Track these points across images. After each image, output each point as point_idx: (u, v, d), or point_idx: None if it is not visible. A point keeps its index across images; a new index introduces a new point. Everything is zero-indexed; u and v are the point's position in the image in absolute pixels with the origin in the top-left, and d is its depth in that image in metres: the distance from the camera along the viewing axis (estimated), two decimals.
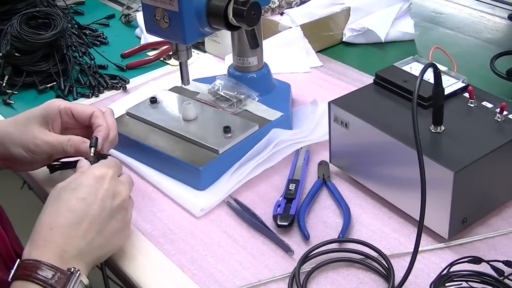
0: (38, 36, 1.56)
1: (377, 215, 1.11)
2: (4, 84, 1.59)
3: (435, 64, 1.00)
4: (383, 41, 1.66)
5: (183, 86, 1.31)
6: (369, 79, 1.47)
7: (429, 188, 0.93)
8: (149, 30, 1.21)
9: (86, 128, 1.16)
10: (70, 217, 0.93)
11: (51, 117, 1.14)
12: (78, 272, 0.89)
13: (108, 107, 1.19)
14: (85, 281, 0.91)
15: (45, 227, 0.92)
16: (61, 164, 1.20)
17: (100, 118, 1.13)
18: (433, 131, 1.05)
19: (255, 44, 1.18)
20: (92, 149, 1.08)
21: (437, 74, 1.01)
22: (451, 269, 0.94)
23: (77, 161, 1.06)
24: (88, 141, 1.10)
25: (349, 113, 1.12)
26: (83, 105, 1.17)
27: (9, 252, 1.02)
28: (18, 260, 0.90)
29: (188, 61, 1.25)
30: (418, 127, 1.02)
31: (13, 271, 0.88)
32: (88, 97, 1.54)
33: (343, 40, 1.69)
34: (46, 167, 1.21)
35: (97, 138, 1.10)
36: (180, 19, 1.14)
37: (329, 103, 1.15)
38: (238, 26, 1.15)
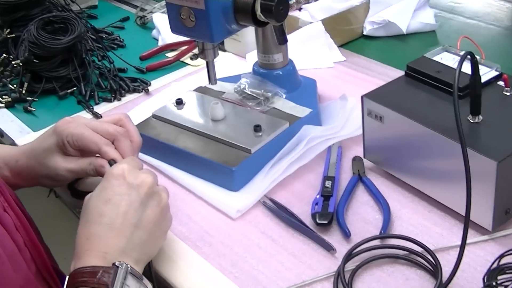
0: (56, 41, 1.54)
1: (417, 209, 1.09)
2: (23, 91, 1.57)
3: (472, 53, 0.97)
4: (405, 33, 1.63)
5: (210, 85, 1.30)
6: (394, 72, 1.46)
7: (471, 179, 0.91)
8: (175, 30, 1.19)
9: None
10: (101, 221, 0.91)
11: (65, 147, 1.09)
12: (125, 264, 0.87)
13: (123, 113, 1.15)
14: (137, 273, 0.89)
15: (82, 238, 0.91)
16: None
17: (109, 152, 1.07)
18: (471, 121, 1.03)
19: (284, 39, 1.16)
20: None
21: (475, 63, 0.99)
22: (501, 262, 0.92)
23: None
24: (106, 163, 1.07)
25: (384, 106, 1.10)
26: (89, 135, 1.08)
27: (44, 264, 1.00)
28: (67, 277, 0.88)
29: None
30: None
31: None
32: (110, 101, 1.52)
33: (364, 33, 1.67)
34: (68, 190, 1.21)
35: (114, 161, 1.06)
36: (207, 17, 1.12)
37: (362, 97, 1.13)
38: (266, 22, 1.12)
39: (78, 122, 1.09)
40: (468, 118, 1.03)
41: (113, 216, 0.92)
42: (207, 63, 1.22)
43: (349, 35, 1.66)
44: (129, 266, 0.88)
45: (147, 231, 0.95)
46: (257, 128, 1.21)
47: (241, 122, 1.26)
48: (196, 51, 1.61)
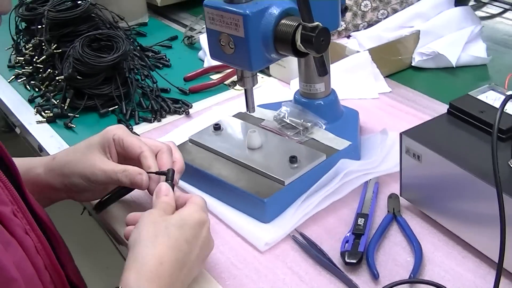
0: (100, 59, 1.54)
1: (451, 254, 1.05)
2: (65, 107, 1.57)
3: None
4: (454, 66, 1.59)
5: (248, 113, 1.28)
6: (440, 106, 1.42)
7: (508, 226, 0.87)
8: (214, 56, 1.17)
9: None
10: (178, 257, 0.92)
11: (108, 145, 1.12)
12: None
13: (171, 141, 1.15)
14: None
15: (155, 260, 0.90)
16: (106, 199, 1.18)
17: (148, 158, 1.08)
18: None
19: (324, 71, 1.13)
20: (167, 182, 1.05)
21: None
22: None
23: (119, 192, 1.11)
24: (143, 172, 1.07)
25: (422, 145, 1.06)
26: (136, 139, 1.11)
27: (64, 287, 0.99)
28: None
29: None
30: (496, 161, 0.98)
31: None
32: (150, 121, 1.51)
33: (412, 64, 1.63)
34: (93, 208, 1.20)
35: (173, 171, 1.07)
36: (246, 45, 1.10)
37: (400, 134, 1.10)
38: (306, 52, 1.10)
39: (129, 131, 1.14)
40: (510, 162, 0.99)
41: (186, 259, 0.93)
42: (245, 90, 1.21)
43: (397, 65, 1.62)
44: None
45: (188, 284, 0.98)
46: (292, 159, 1.19)
47: (277, 152, 1.24)
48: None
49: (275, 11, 1.10)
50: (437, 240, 1.08)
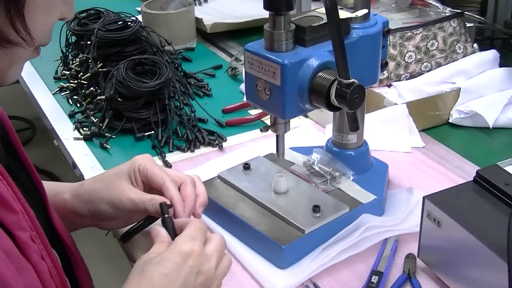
0: (142, 83, 1.57)
1: None
2: (103, 127, 1.60)
3: None
4: (491, 127, 1.59)
5: None
6: (470, 168, 1.43)
7: None
8: (250, 99, 1.20)
9: None
10: None
11: (134, 174, 1.13)
12: None
13: (195, 175, 1.16)
14: None
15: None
16: (132, 230, 1.18)
17: (171, 190, 1.08)
18: None
19: (355, 127, 1.14)
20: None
21: None
22: None
23: (146, 221, 1.10)
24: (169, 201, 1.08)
25: (443, 212, 1.07)
26: (159, 170, 1.12)
27: (60, 277, 0.98)
28: None
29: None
30: None
31: None
32: (183, 151, 1.54)
33: (450, 121, 1.63)
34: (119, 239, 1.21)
35: (167, 205, 1.05)
36: (282, 93, 1.12)
37: (424, 198, 1.11)
38: (339, 107, 1.11)
39: (155, 162, 1.14)
40: None
41: None
42: (277, 136, 1.22)
43: (434, 120, 1.63)
44: None
45: None
46: (315, 209, 1.20)
47: (302, 198, 1.26)
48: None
49: (313, 63, 1.11)
50: None
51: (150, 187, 1.14)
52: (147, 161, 1.13)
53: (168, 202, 1.05)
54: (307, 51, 1.12)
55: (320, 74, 1.11)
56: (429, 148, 1.54)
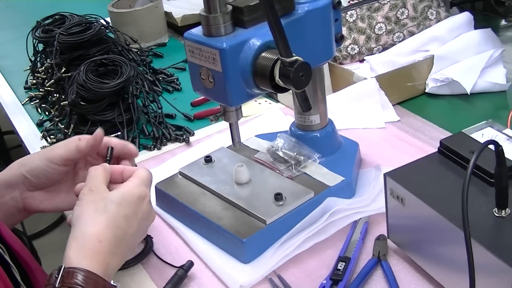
0: (103, 85, 1.52)
1: None
2: (69, 133, 1.55)
3: (497, 142, 0.87)
4: (469, 94, 1.51)
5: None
6: None
7: (487, 280, 0.84)
8: (196, 89, 1.14)
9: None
10: (116, 233, 0.96)
11: None
12: (118, 284, 0.94)
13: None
14: None
15: (94, 238, 0.93)
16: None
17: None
18: (496, 215, 0.92)
19: (307, 107, 1.08)
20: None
21: (499, 153, 0.88)
22: None
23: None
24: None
25: (405, 188, 1.00)
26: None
27: None
28: (63, 266, 0.90)
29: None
30: (481, 208, 0.93)
31: (59, 276, 0.88)
32: (150, 149, 1.49)
33: (426, 91, 1.56)
34: None
35: (112, 148, 1.12)
36: (224, 79, 1.05)
37: (384, 175, 1.04)
38: (286, 88, 1.05)
39: None
40: (494, 211, 0.92)
41: (124, 234, 0.97)
42: (230, 125, 1.16)
43: (410, 92, 1.55)
44: None
45: (128, 256, 1.05)
46: (277, 197, 1.14)
47: (265, 187, 1.19)
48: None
49: (254, 44, 1.05)
50: None
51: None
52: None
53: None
54: (247, 33, 1.06)
55: (262, 55, 1.05)
56: (404, 121, 1.47)
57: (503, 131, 1.09)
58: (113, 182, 1.05)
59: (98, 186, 1.00)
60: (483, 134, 1.09)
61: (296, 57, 1.01)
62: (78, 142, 1.12)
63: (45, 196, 1.14)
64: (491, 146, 0.87)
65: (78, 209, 0.97)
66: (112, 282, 0.92)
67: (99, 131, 1.12)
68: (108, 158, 1.10)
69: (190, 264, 1.09)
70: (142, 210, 1.00)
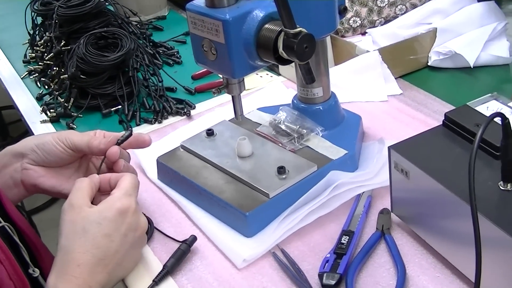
0: (103, 58, 1.50)
1: (437, 278, 0.98)
2: (69, 107, 1.54)
3: (503, 114, 0.86)
4: (472, 67, 1.50)
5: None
6: None
7: (493, 254, 0.83)
8: (198, 61, 1.12)
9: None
10: (96, 254, 0.95)
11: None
12: None
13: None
14: None
15: (73, 263, 0.94)
16: None
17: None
18: (502, 188, 0.91)
19: (310, 79, 1.07)
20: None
21: (506, 126, 0.87)
22: None
23: None
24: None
25: (410, 161, 0.99)
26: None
27: (19, 277, 0.98)
28: None
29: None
30: (487, 181, 0.92)
31: None
32: (150, 123, 1.47)
33: (429, 64, 1.54)
34: None
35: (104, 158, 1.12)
36: (227, 51, 1.04)
37: (389, 148, 1.03)
38: (289, 60, 1.03)
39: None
40: (499, 184, 0.91)
41: (106, 252, 0.97)
42: (232, 97, 1.15)
43: (412, 65, 1.54)
44: None
45: (126, 269, 1.03)
46: (280, 170, 1.13)
47: (267, 161, 1.18)
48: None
49: (258, 15, 1.03)
50: (425, 262, 1.01)
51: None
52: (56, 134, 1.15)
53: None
54: (250, 4, 1.04)
55: (266, 26, 1.03)
56: (407, 94, 1.46)
57: (508, 104, 1.08)
58: (102, 191, 1.06)
59: (80, 200, 1.00)
60: (488, 107, 1.08)
61: (300, 29, 0.99)
62: (92, 139, 1.11)
63: (44, 172, 1.14)
64: (497, 119, 0.86)
65: (60, 228, 0.98)
66: None
67: (114, 149, 1.11)
68: (100, 167, 1.12)
69: (193, 238, 1.09)
70: (127, 223, 0.99)
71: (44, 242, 1.14)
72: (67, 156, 1.12)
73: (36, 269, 1.02)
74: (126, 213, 0.99)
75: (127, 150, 1.17)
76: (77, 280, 0.93)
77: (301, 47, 1.00)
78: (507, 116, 0.87)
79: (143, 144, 1.17)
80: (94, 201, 1.02)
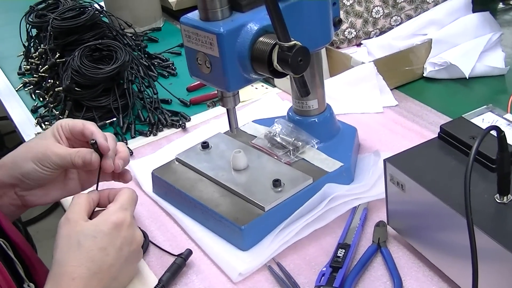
0: (98, 70, 1.50)
1: None
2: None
3: (499, 127, 0.86)
4: (467, 78, 1.50)
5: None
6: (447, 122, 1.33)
7: (490, 268, 0.83)
8: (193, 74, 1.12)
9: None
10: (91, 268, 0.94)
11: (58, 132, 1.11)
12: None
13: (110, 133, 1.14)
14: None
15: (67, 276, 0.93)
16: None
17: (91, 127, 1.10)
18: (498, 201, 0.90)
19: (305, 92, 1.07)
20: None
21: (501, 139, 0.87)
22: None
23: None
24: (93, 152, 1.07)
25: (405, 174, 0.99)
26: (79, 121, 1.13)
27: None
28: None
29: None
30: (483, 194, 0.92)
31: None
32: (146, 135, 1.47)
33: (424, 75, 1.54)
34: None
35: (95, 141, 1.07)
36: (222, 64, 1.04)
37: (384, 161, 1.03)
38: (284, 73, 1.03)
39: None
40: (495, 197, 0.91)
41: (102, 265, 0.95)
42: (227, 110, 1.14)
43: (407, 76, 1.54)
44: None
45: (122, 284, 1.01)
46: (276, 183, 1.13)
47: (263, 174, 1.18)
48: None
49: (252, 28, 1.03)
50: (422, 275, 1.01)
51: (73, 145, 1.12)
52: (69, 120, 1.14)
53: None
54: (244, 17, 1.04)
55: (261, 39, 1.03)
56: (402, 106, 1.45)
57: (504, 116, 1.08)
58: (102, 206, 1.05)
59: (76, 215, 0.99)
60: (483, 119, 1.08)
61: (295, 42, 0.99)
62: (75, 157, 1.07)
63: (42, 192, 1.12)
64: (493, 132, 0.86)
65: (56, 242, 0.97)
66: None
67: (95, 160, 1.08)
68: (97, 180, 1.09)
69: (189, 252, 1.08)
70: (122, 237, 0.98)
71: (41, 253, 1.13)
72: (56, 172, 1.10)
73: (31, 284, 1.02)
74: (121, 227, 0.98)
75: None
76: None
77: (295, 60, 1.00)
78: (502, 129, 0.87)
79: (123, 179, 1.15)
80: (92, 216, 1.01)
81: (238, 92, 1.12)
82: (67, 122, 1.12)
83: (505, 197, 0.90)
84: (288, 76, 1.06)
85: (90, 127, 1.10)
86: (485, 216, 0.87)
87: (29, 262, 1.07)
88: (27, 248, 1.08)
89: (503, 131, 0.86)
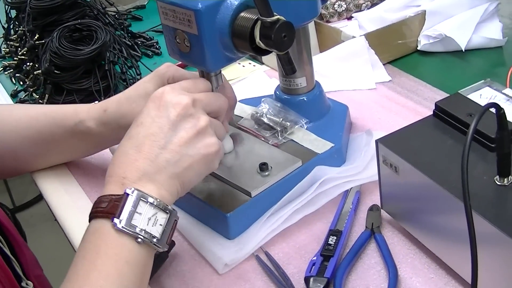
0: (77, 51, 1.44)
1: (431, 280, 0.92)
2: (44, 103, 1.47)
3: (498, 105, 0.80)
4: (463, 50, 1.44)
5: None
6: (442, 98, 1.27)
7: (490, 254, 0.79)
8: (172, 54, 1.05)
9: None
10: (128, 145, 0.88)
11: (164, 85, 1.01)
12: (136, 191, 0.83)
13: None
14: (152, 199, 0.84)
15: (109, 165, 0.88)
16: None
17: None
18: (498, 183, 0.84)
19: (290, 69, 1.00)
20: None
21: (501, 116, 0.81)
22: None
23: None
24: None
25: (398, 156, 0.93)
26: (187, 73, 1.07)
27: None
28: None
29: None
30: (482, 176, 0.86)
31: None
32: None
33: (418, 48, 1.48)
34: None
35: None
36: (201, 43, 0.97)
37: (376, 141, 0.97)
38: (268, 50, 0.97)
39: (180, 69, 1.09)
40: (495, 179, 0.85)
41: (141, 139, 0.88)
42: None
43: (401, 50, 1.48)
44: (142, 192, 0.83)
45: (176, 153, 0.88)
46: (263, 167, 1.07)
47: (249, 157, 1.12)
48: None
49: (233, 2, 0.96)
50: (418, 262, 0.95)
51: None
52: (174, 71, 1.07)
53: None
54: None
55: (241, 15, 0.96)
56: (396, 81, 1.39)
57: (503, 91, 1.02)
58: None
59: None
60: (481, 94, 1.02)
61: (278, 17, 0.92)
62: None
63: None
64: (492, 109, 0.79)
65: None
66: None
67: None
68: None
69: (172, 243, 1.02)
70: (160, 105, 0.90)
71: (35, 236, 1.09)
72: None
73: (29, 282, 0.98)
74: (159, 97, 0.91)
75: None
76: (111, 178, 0.86)
77: (279, 36, 0.93)
78: (501, 105, 0.81)
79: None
80: None
81: (221, 71, 1.06)
82: (176, 80, 1.05)
83: (505, 179, 0.84)
84: (274, 53, 0.99)
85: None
86: (484, 199, 0.82)
87: (15, 243, 1.04)
88: (13, 229, 1.06)
89: (502, 109, 0.80)
